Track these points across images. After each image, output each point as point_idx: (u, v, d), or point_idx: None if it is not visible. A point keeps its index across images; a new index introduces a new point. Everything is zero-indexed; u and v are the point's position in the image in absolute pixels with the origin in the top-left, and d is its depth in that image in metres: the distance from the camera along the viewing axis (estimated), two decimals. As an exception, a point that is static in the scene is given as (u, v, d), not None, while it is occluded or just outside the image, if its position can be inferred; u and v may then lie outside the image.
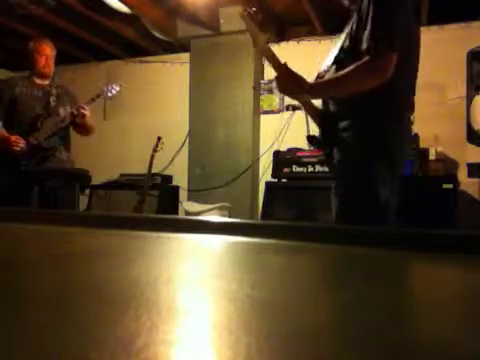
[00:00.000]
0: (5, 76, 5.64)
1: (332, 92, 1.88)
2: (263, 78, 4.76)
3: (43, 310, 0.41)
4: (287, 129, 4.61)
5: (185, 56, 5.02)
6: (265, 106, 4.71)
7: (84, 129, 3.19)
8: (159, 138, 4.22)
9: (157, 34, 4.69)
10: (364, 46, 1.70)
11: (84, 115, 3.04)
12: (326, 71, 1.92)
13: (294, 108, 4.60)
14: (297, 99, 2.02)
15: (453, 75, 3.56)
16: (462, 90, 3.56)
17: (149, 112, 5.27)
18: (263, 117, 4.76)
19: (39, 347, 0.30)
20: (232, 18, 4.49)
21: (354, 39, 1.77)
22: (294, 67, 1.91)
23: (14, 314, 0.38)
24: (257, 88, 4.41)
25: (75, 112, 3.04)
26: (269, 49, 1.95)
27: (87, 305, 0.42)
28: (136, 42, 5.06)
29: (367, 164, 1.79)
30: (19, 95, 3.09)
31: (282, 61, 1.91)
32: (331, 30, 4.41)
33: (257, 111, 4.70)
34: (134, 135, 5.33)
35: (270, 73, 4.72)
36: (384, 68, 1.69)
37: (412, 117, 1.89)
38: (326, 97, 1.92)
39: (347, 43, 1.82)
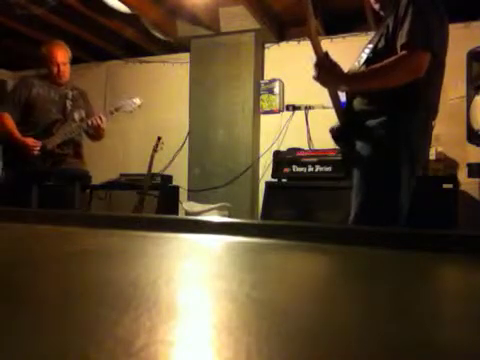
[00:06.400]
0: (6, 77, 5.64)
1: (367, 83, 1.88)
2: (263, 78, 4.75)
3: (43, 310, 0.40)
4: (287, 129, 4.61)
5: (185, 56, 5.01)
6: (265, 106, 4.70)
7: (96, 137, 3.18)
8: (159, 138, 4.22)
9: (157, 34, 4.69)
10: (401, 42, 1.74)
11: (99, 126, 3.03)
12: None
13: (294, 108, 4.60)
14: (329, 91, 1.97)
15: (453, 75, 3.54)
16: (462, 90, 3.55)
17: (149, 112, 5.26)
18: (263, 117, 4.75)
19: (39, 347, 0.30)
20: (232, 18, 4.49)
21: (391, 40, 1.80)
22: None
23: (14, 314, 0.38)
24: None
25: (90, 123, 3.01)
26: (317, 37, 1.94)
27: (87, 305, 0.42)
28: (136, 42, 5.06)
29: (392, 162, 1.80)
30: (36, 97, 3.06)
31: (323, 50, 1.91)
32: (331, 30, 4.42)
33: (257, 111, 4.69)
34: (134, 135, 5.33)
35: (270, 73, 4.72)
36: (418, 65, 1.73)
37: (433, 123, 1.90)
38: (362, 88, 1.92)
39: (382, 43, 1.84)
